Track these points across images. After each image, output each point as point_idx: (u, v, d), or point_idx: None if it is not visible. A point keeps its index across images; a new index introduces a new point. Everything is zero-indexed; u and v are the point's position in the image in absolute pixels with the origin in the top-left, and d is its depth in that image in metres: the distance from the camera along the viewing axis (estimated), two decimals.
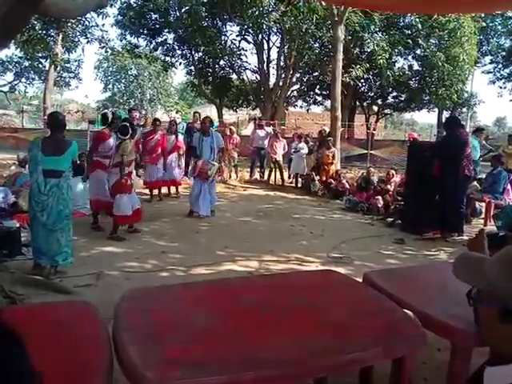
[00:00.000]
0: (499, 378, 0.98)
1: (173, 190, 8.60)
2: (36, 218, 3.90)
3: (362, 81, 17.85)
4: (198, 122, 10.36)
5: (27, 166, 5.95)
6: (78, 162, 7.12)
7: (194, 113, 11.02)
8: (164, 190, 8.48)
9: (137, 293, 2.26)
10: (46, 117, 13.58)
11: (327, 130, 11.34)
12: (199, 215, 6.68)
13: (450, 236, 5.96)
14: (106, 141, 5.62)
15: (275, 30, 16.38)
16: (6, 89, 23.10)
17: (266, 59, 17.34)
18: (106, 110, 6.82)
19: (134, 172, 6.14)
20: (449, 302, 2.08)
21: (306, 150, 10.47)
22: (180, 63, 17.79)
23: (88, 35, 16.38)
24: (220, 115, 18.98)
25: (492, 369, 1.00)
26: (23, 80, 22.54)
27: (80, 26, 15.56)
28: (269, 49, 17.42)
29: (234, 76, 18.58)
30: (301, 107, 22.73)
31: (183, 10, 15.40)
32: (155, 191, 8.13)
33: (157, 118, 9.46)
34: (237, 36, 16.91)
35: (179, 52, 17.23)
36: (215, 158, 6.79)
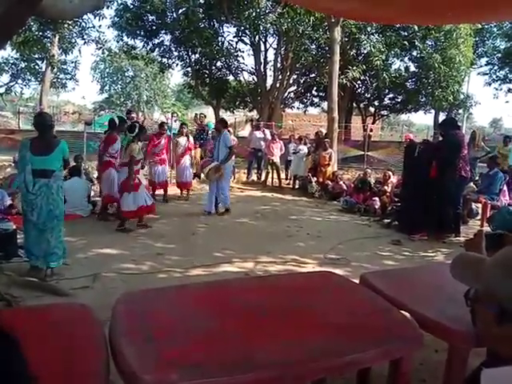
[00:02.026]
0: (497, 380, 0.98)
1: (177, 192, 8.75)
2: (27, 218, 3.92)
3: (359, 82, 17.88)
4: (200, 122, 10.42)
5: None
6: (75, 163, 7.16)
7: (200, 114, 11.08)
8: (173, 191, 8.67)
9: (134, 295, 2.26)
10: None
11: (324, 131, 11.36)
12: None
13: (446, 237, 5.99)
14: (115, 143, 6.53)
15: (272, 32, 16.37)
16: (2, 90, 23.00)
17: (262, 61, 17.34)
18: (113, 115, 7.28)
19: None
20: (446, 303, 2.08)
21: (306, 152, 10.49)
22: (177, 64, 17.75)
23: (85, 36, 16.32)
24: (217, 117, 18.96)
25: (489, 370, 1.00)
26: (19, 81, 22.45)
27: (77, 27, 15.49)
28: (266, 50, 17.43)
29: (231, 77, 18.57)
30: (298, 109, 22.72)
31: (180, 12, 15.37)
32: (159, 192, 8.22)
33: (164, 121, 9.57)
34: (234, 37, 16.91)
35: (176, 53, 17.18)
36: (222, 157, 6.93)
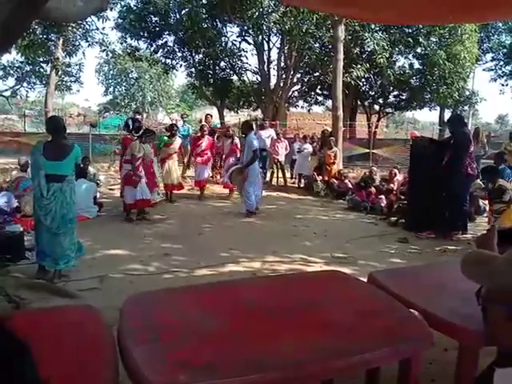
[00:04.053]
0: (510, 379, 0.97)
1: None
2: (40, 222, 3.90)
3: (363, 80, 17.78)
4: (211, 124, 10.46)
5: (29, 170, 6.12)
6: (82, 165, 7.21)
7: (206, 115, 11.09)
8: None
9: (141, 296, 2.25)
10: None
11: (330, 129, 11.32)
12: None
13: (453, 235, 5.95)
14: (131, 142, 6.75)
15: (275, 31, 16.32)
16: (7, 94, 23.13)
17: (266, 60, 17.30)
18: (128, 119, 7.71)
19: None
20: (456, 302, 2.06)
21: (310, 150, 10.46)
22: (180, 65, 17.74)
23: (89, 39, 16.39)
24: (221, 117, 18.96)
25: (503, 370, 0.99)
26: (25, 85, 22.54)
27: (80, 29, 15.55)
28: (269, 50, 17.37)
29: (235, 77, 18.53)
30: (302, 107, 22.62)
31: (183, 12, 15.37)
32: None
33: (204, 123, 9.86)
34: (237, 37, 16.89)
35: (179, 54, 17.18)
36: (242, 159, 7.22)
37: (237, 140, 9.13)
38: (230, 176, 7.21)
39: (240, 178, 6.99)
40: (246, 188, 7.05)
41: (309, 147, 10.61)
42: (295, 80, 17.76)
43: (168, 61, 17.43)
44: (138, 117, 9.24)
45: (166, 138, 8.25)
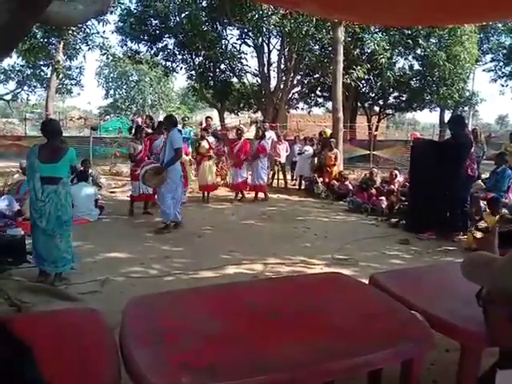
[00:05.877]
0: None
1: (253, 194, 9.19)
2: (36, 225, 3.92)
3: (363, 82, 17.81)
4: (210, 127, 10.46)
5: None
6: (82, 168, 7.24)
7: (206, 117, 11.08)
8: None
9: (143, 298, 2.26)
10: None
11: (329, 131, 11.32)
12: None
13: (454, 236, 5.94)
14: (154, 141, 7.27)
15: (275, 33, 16.35)
16: (8, 97, 23.20)
17: (266, 62, 17.32)
18: (132, 124, 8.12)
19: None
20: (457, 303, 2.06)
21: (311, 152, 10.47)
22: (181, 68, 17.77)
23: (89, 42, 16.47)
24: (222, 119, 18.98)
25: (505, 372, 0.99)
26: (25, 88, 22.63)
27: (81, 33, 15.62)
28: (269, 52, 17.40)
29: (235, 79, 18.56)
30: (302, 109, 22.70)
31: (183, 15, 15.41)
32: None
33: (240, 127, 9.99)
34: (237, 40, 16.91)
35: (180, 57, 17.22)
36: (167, 160, 5.90)
37: (264, 142, 9.10)
38: (143, 177, 5.96)
39: (156, 180, 5.90)
40: (162, 193, 6.00)
41: (309, 149, 10.62)
42: (295, 82, 17.78)
43: (168, 63, 17.46)
44: (137, 119, 9.48)
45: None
